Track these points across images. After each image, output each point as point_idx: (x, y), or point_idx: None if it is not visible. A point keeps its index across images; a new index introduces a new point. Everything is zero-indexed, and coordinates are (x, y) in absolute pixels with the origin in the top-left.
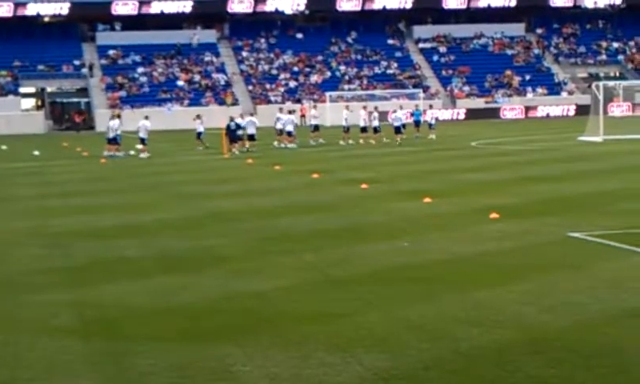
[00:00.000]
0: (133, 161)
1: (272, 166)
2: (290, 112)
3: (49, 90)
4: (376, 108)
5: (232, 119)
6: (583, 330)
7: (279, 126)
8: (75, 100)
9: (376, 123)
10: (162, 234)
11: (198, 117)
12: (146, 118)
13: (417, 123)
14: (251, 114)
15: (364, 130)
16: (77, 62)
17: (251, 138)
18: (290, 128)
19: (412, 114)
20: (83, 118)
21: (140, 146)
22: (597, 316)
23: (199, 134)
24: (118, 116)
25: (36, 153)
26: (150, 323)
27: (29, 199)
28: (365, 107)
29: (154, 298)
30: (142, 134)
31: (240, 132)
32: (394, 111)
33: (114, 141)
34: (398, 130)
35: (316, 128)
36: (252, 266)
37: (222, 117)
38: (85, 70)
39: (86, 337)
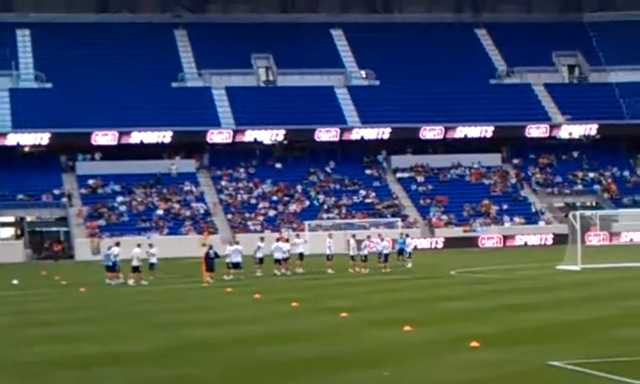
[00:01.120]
0: (112, 289)
1: (251, 295)
2: (278, 240)
3: (28, 219)
4: (369, 237)
5: (211, 247)
6: None
7: (259, 254)
8: (54, 229)
9: (365, 252)
10: (142, 363)
11: (151, 246)
12: (138, 245)
13: (400, 251)
14: (237, 242)
15: (353, 258)
16: (56, 192)
17: (236, 266)
18: (277, 255)
19: (396, 243)
20: (62, 247)
21: (121, 276)
22: None
23: (152, 264)
24: (117, 244)
25: (15, 282)
26: None
27: (6, 328)
28: (354, 236)
29: None
30: (135, 263)
31: (232, 261)
32: (382, 240)
33: (112, 268)
34: (386, 257)
35: (300, 256)
36: None
37: (200, 246)
38: (64, 200)
39: None
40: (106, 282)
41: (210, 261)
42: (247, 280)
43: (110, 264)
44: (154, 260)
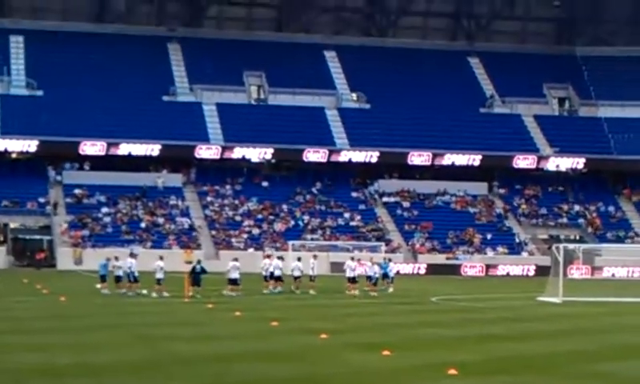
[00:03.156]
0: (94, 299)
1: (232, 312)
2: (278, 258)
3: (12, 225)
4: (359, 260)
5: (199, 262)
6: None
7: (278, 272)
8: (38, 237)
9: (355, 274)
10: (119, 375)
11: (117, 259)
12: (161, 258)
13: (383, 276)
14: (235, 259)
15: (349, 280)
16: (42, 200)
17: (234, 282)
18: (277, 272)
19: (380, 267)
20: (45, 255)
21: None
22: None
23: (118, 277)
24: (131, 255)
25: None
26: None
27: None
28: (352, 258)
29: None
30: (158, 275)
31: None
32: (373, 264)
33: (128, 278)
34: (375, 281)
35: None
36: None
37: (184, 263)
38: (49, 208)
39: None
40: (101, 292)
41: (197, 275)
42: (230, 298)
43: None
44: (120, 272)
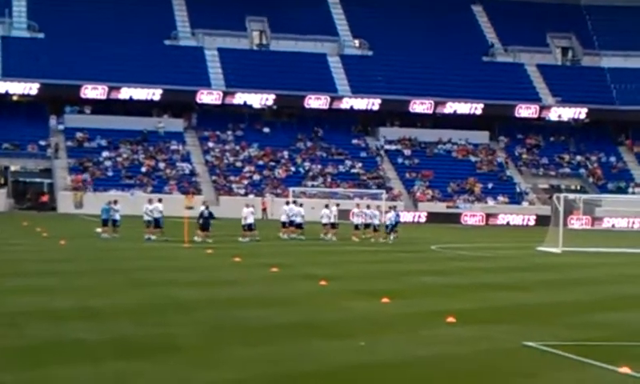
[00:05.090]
0: (93, 243)
1: (231, 258)
2: (296, 203)
3: (12, 168)
4: (368, 206)
5: (207, 207)
6: None
7: (284, 218)
8: (38, 180)
9: (359, 221)
10: (119, 319)
11: (116, 203)
12: (204, 204)
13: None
14: (252, 206)
15: (357, 227)
16: (42, 143)
17: (249, 227)
18: (299, 219)
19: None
20: (45, 199)
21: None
22: None
23: (115, 221)
24: (159, 200)
25: None
26: None
27: None
28: (358, 205)
29: None
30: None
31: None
32: (387, 211)
33: (156, 224)
34: (387, 227)
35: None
36: (206, 356)
37: (185, 208)
38: (50, 151)
39: None
40: (101, 236)
41: (205, 220)
42: (227, 242)
43: (152, 218)
44: (117, 216)
